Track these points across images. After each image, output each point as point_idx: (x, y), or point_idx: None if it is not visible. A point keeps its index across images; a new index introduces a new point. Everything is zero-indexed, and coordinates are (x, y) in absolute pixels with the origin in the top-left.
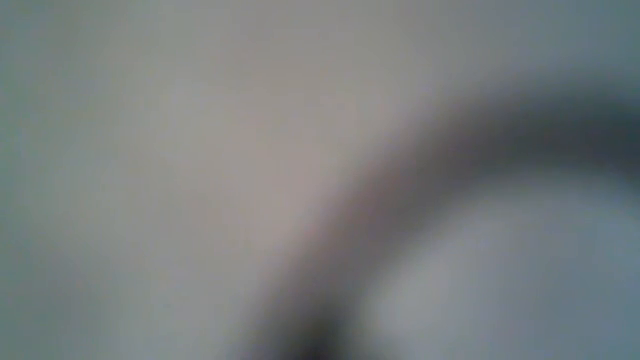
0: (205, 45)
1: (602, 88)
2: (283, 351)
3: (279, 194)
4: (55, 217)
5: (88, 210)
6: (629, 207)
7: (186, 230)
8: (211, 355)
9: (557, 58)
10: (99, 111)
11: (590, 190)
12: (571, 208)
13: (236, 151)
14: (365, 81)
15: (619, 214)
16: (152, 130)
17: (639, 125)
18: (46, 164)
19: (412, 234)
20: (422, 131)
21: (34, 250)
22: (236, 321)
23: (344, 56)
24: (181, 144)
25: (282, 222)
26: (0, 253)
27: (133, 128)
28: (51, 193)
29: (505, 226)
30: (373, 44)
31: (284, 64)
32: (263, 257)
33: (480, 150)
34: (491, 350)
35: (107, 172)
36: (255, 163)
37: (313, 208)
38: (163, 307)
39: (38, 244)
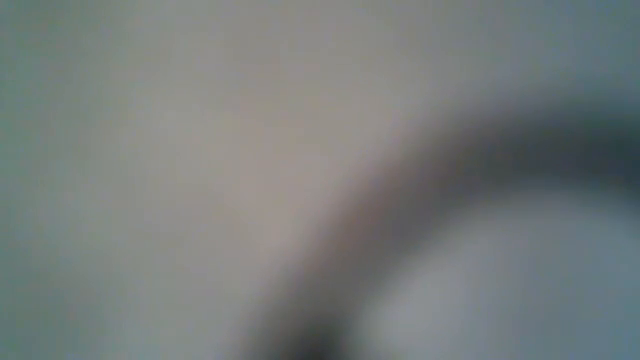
0: (204, 59)
1: (602, 100)
2: None
3: (279, 205)
4: (57, 226)
5: (90, 218)
6: (630, 220)
7: (186, 239)
8: None
9: (556, 70)
10: (100, 125)
11: (589, 203)
12: (569, 221)
13: (234, 165)
14: (365, 95)
15: (619, 227)
16: (152, 143)
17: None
18: (49, 175)
19: (411, 246)
20: (422, 144)
21: (35, 257)
22: (235, 331)
23: (343, 70)
24: (180, 156)
25: (282, 233)
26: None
27: (133, 140)
28: (53, 203)
29: (503, 239)
30: (372, 56)
31: (283, 78)
32: (263, 269)
33: (479, 162)
34: None
35: (109, 182)
36: (255, 176)
37: (313, 220)
38: (163, 314)
39: (39, 251)
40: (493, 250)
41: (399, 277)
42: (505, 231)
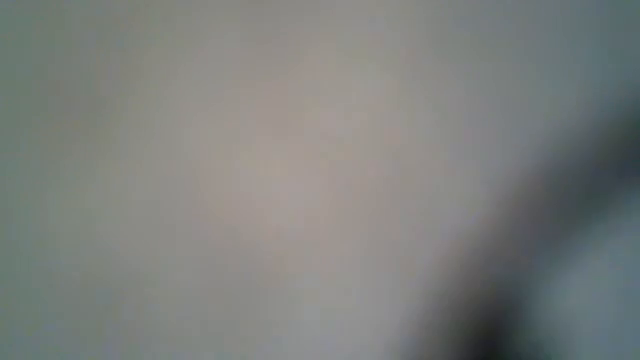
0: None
1: None
2: (453, 339)
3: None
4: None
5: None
6: None
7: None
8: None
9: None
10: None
11: None
12: None
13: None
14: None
15: None
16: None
17: None
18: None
19: (583, 229)
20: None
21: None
22: (407, 312)
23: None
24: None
25: (456, 212)
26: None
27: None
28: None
29: None
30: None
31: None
32: (442, 241)
33: None
34: None
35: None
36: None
37: (485, 200)
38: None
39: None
40: None
41: (570, 259)
42: None
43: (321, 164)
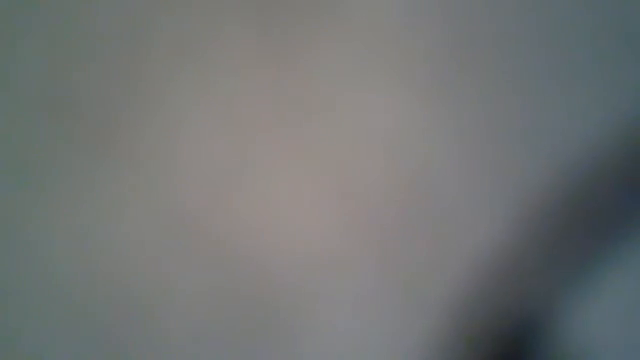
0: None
1: None
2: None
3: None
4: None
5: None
6: None
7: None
8: None
9: None
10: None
11: None
12: None
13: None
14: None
15: None
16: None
17: None
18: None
19: (608, 245)
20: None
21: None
22: (425, 329)
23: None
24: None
25: (475, 231)
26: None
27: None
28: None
29: None
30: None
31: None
32: (456, 264)
33: None
34: None
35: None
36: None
37: (504, 222)
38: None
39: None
40: None
41: (595, 277)
42: None
43: (334, 187)
